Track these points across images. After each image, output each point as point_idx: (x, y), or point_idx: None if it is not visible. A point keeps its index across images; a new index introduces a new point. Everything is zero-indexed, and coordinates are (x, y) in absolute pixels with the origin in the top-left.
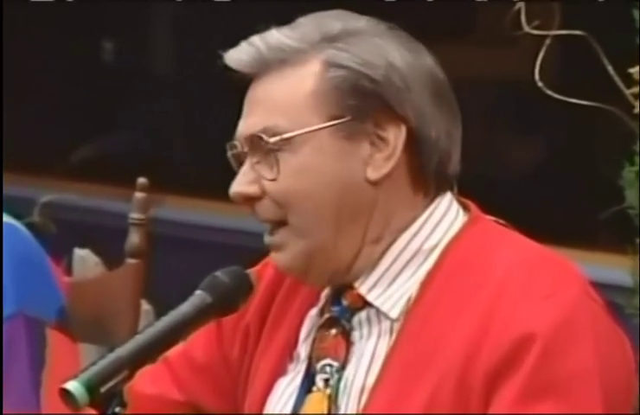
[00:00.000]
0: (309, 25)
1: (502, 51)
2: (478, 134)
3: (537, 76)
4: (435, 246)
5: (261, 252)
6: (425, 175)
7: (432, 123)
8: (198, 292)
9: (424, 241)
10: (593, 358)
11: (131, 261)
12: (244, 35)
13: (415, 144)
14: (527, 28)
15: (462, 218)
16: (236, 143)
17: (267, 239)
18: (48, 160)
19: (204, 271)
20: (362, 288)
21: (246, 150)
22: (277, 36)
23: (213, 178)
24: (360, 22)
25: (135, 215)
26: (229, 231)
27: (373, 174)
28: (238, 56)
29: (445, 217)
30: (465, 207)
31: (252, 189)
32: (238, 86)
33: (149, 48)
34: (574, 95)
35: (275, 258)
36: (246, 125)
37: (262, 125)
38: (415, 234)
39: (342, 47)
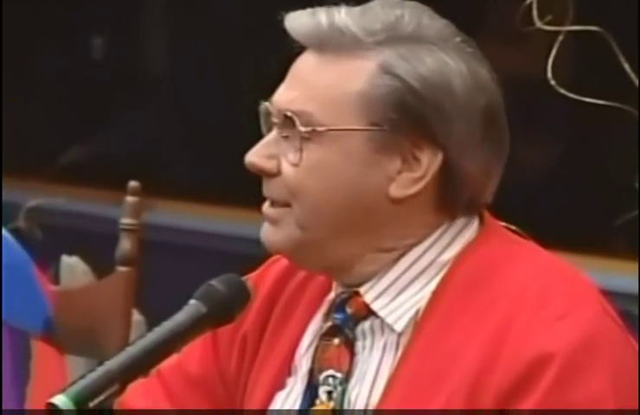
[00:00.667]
0: (380, 14)
1: (512, 48)
2: None
3: (550, 74)
4: (450, 260)
5: (259, 259)
6: (452, 205)
7: (474, 158)
8: (192, 302)
9: (439, 254)
10: (610, 381)
11: (121, 269)
12: (243, 28)
13: (448, 174)
14: (539, 24)
15: (475, 227)
16: (269, 107)
17: (265, 208)
18: (35, 162)
19: (199, 280)
20: (368, 296)
21: (276, 121)
22: (343, 18)
23: (208, 181)
24: (435, 24)
25: (126, 220)
26: (225, 237)
27: (396, 191)
28: (296, 24)
29: (464, 231)
30: (480, 215)
31: (270, 165)
32: (236, 85)
33: (141, 45)
34: (588, 94)
35: (267, 231)
36: (285, 98)
37: (299, 107)
38: (431, 246)
39: (403, 54)
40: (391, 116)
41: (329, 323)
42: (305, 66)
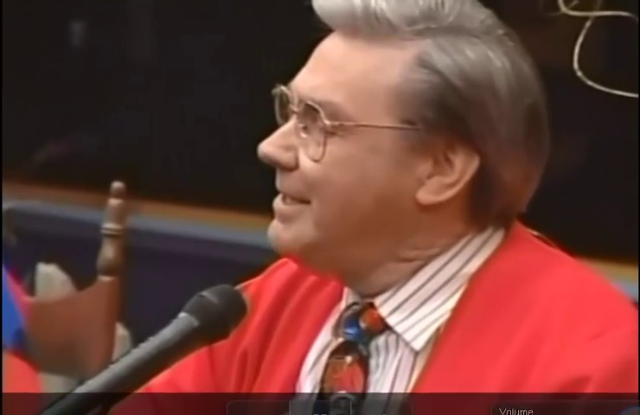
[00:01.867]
0: (419, 1)
1: (534, 35)
2: None
3: (576, 64)
4: (474, 274)
5: (256, 268)
6: (484, 215)
7: (512, 165)
8: (183, 315)
9: (462, 266)
10: None
11: (104, 279)
12: (238, 14)
13: (483, 182)
14: (564, 9)
15: (500, 234)
16: (288, 92)
17: (277, 203)
18: (7, 161)
19: (189, 291)
20: (383, 309)
21: (296, 109)
22: (379, 2)
23: (200, 182)
24: (478, 14)
25: (109, 225)
26: (218, 243)
27: (425, 197)
28: (328, 4)
29: (489, 241)
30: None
31: (286, 158)
32: (233, 76)
33: (126, 31)
34: (619, 86)
35: (277, 229)
36: (308, 84)
37: (325, 97)
38: (452, 258)
39: (443, 46)
40: (426, 114)
41: (340, 339)
42: (333, 50)
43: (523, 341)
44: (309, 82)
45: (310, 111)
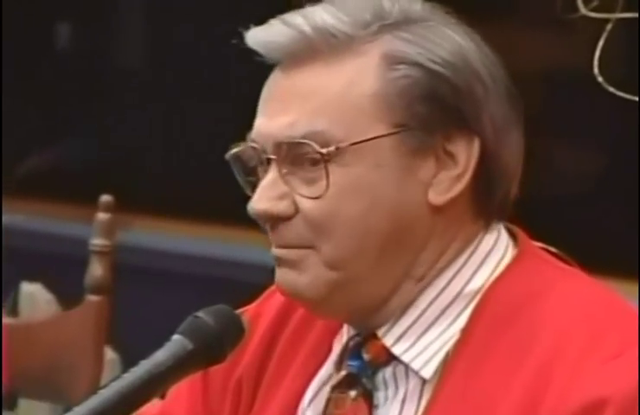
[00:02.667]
0: (359, 3)
1: (552, 37)
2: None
3: (596, 69)
4: (478, 290)
5: (254, 287)
6: (489, 203)
7: (509, 145)
8: (176, 337)
9: (466, 283)
10: None
11: (92, 298)
12: (233, 19)
13: (487, 167)
14: (583, 10)
15: (510, 251)
16: (255, 145)
17: (279, 251)
18: None
19: (183, 311)
20: (387, 338)
21: (272, 156)
22: (324, 16)
23: (194, 196)
24: (415, 4)
25: (97, 241)
26: (214, 261)
27: (437, 198)
28: (272, 39)
29: (493, 252)
30: (512, 235)
31: (284, 207)
32: (224, 83)
33: (115, 34)
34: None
35: (289, 276)
36: (279, 126)
37: (307, 129)
38: (456, 274)
39: (405, 36)
40: (417, 111)
41: (343, 372)
42: (293, 82)
43: (537, 363)
44: (280, 122)
45: (294, 150)
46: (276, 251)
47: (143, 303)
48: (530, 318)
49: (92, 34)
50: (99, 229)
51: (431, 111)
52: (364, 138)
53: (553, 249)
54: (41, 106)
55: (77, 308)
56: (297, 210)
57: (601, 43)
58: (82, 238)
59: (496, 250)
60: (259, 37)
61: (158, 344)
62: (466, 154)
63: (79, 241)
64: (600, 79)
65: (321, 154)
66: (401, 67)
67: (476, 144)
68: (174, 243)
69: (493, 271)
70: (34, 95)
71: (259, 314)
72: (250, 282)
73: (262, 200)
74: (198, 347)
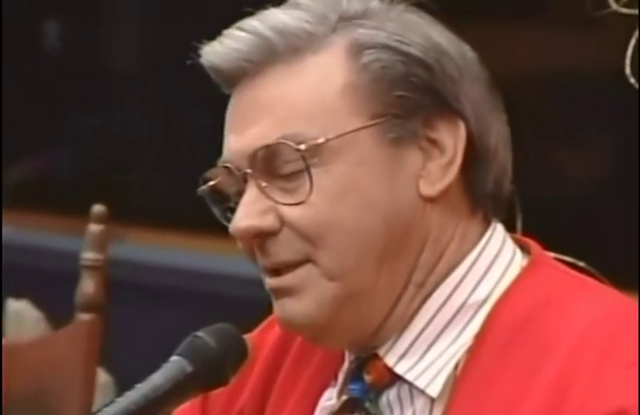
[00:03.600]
0: (315, 2)
1: (581, 36)
2: (550, 139)
3: (628, 69)
4: (484, 300)
5: (257, 304)
6: (481, 195)
7: (490, 126)
8: (174, 358)
9: (470, 293)
10: None
11: (83, 316)
12: (224, 18)
13: (474, 152)
14: (614, 7)
15: (519, 261)
16: (228, 164)
17: (274, 281)
18: None
19: (182, 330)
20: (389, 357)
21: (248, 170)
22: (282, 18)
23: (191, 206)
24: (371, 1)
25: (88, 255)
26: (215, 276)
27: (429, 188)
28: (230, 48)
29: (498, 259)
30: (524, 248)
31: (268, 222)
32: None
33: (106, 34)
34: None
35: (286, 308)
36: (251, 137)
37: (278, 134)
38: (459, 283)
39: (369, 24)
40: (392, 98)
41: (344, 397)
42: (257, 94)
43: (553, 375)
44: (252, 133)
45: (270, 158)
46: (270, 282)
47: (138, 322)
48: (545, 328)
49: (84, 33)
50: (90, 242)
51: (407, 95)
52: (341, 133)
53: (568, 258)
54: (28, 111)
55: (67, 327)
56: (282, 223)
57: (633, 41)
58: (72, 251)
59: (501, 257)
60: (216, 51)
61: (155, 366)
62: (452, 139)
63: (69, 255)
64: (632, 80)
65: (299, 151)
66: (370, 51)
67: (462, 128)
68: (172, 257)
69: (499, 279)
70: (20, 98)
71: (260, 342)
72: (253, 298)
73: (246, 217)
74: (198, 369)
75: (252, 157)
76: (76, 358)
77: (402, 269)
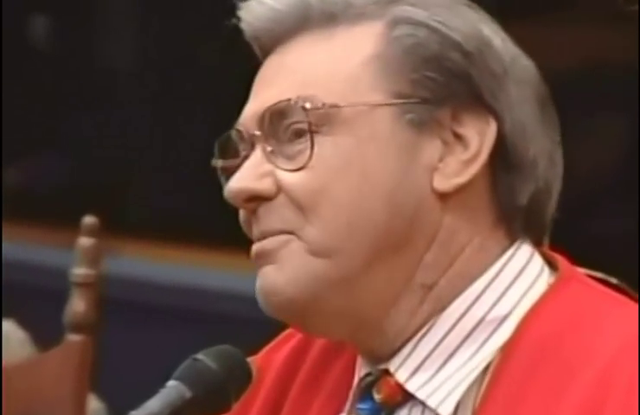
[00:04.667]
0: None
1: (611, 32)
2: (579, 139)
3: None
4: (506, 316)
5: (262, 323)
6: (510, 207)
7: (532, 137)
8: (172, 383)
9: (491, 307)
10: None
11: (73, 338)
12: (229, 11)
13: (506, 156)
14: None
15: (546, 278)
16: (240, 128)
17: (255, 246)
18: None
19: (180, 352)
20: (401, 372)
21: (256, 132)
22: None
23: (191, 217)
24: None
25: (79, 270)
26: (215, 294)
27: (443, 182)
28: (268, 7)
29: (523, 274)
30: (552, 264)
31: (265, 185)
32: (224, 86)
33: (100, 30)
34: None
35: (269, 275)
36: (263, 100)
37: (294, 94)
38: (479, 296)
39: (416, 3)
40: (420, 78)
41: None
42: (284, 58)
43: (583, 396)
44: (265, 96)
45: (278, 118)
46: (254, 248)
47: (132, 343)
48: (574, 348)
49: (73, 29)
50: (81, 256)
51: (438, 78)
52: (356, 103)
53: (599, 274)
54: (13, 115)
55: (55, 349)
56: (279, 189)
57: None
58: (61, 266)
59: (526, 272)
60: (253, 8)
61: (151, 392)
62: (479, 136)
63: (57, 270)
64: None
65: (306, 111)
66: (405, 26)
67: (493, 126)
68: (171, 273)
69: (523, 295)
70: (4, 102)
71: (266, 365)
72: (255, 317)
73: (242, 179)
74: (198, 394)
75: (261, 118)
76: (65, 383)
77: (403, 263)
